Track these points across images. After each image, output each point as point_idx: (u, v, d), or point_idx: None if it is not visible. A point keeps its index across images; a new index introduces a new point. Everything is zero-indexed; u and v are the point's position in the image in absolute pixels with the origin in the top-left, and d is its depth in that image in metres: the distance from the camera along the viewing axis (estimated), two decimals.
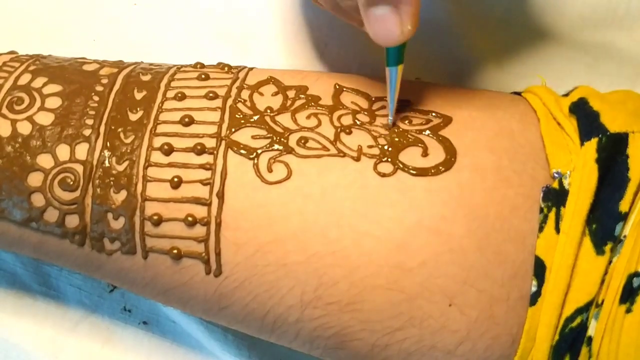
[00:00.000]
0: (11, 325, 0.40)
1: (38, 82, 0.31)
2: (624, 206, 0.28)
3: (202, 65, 0.34)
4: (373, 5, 0.26)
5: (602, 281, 0.28)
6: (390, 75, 0.30)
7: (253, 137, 0.30)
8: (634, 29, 0.39)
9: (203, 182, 0.29)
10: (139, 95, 0.31)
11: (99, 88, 0.31)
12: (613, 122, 0.30)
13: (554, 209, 0.29)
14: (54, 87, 0.31)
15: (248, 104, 0.31)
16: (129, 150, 0.30)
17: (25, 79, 0.32)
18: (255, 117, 0.31)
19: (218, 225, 0.29)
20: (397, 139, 0.30)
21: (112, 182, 0.29)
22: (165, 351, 0.41)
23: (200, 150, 0.29)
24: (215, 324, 0.39)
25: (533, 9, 0.39)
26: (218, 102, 0.31)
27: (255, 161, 0.29)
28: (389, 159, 0.29)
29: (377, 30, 0.27)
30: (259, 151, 0.30)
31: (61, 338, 0.40)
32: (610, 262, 0.28)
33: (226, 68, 0.33)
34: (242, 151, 0.29)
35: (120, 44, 0.42)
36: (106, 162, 0.29)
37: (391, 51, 0.29)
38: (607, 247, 0.28)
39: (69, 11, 0.42)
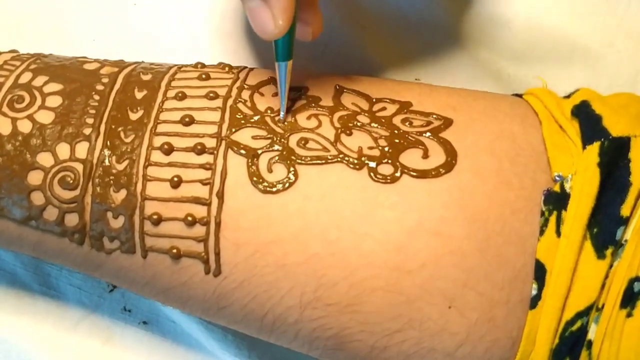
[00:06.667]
0: (11, 325, 0.40)
1: (39, 80, 0.31)
2: (625, 210, 0.28)
3: (203, 65, 0.34)
4: None
5: (603, 285, 0.28)
6: (278, 71, 0.30)
7: (253, 137, 0.30)
8: (633, 29, 0.39)
9: (203, 182, 0.29)
10: (139, 95, 0.31)
11: (100, 87, 0.31)
12: (615, 126, 0.29)
13: (554, 213, 0.29)
14: (55, 86, 0.31)
15: (248, 104, 0.31)
16: (129, 150, 0.30)
17: (26, 77, 0.32)
18: (256, 118, 0.30)
19: (217, 225, 0.29)
20: (397, 141, 0.30)
21: (111, 181, 0.29)
22: (165, 351, 0.41)
23: (200, 150, 0.29)
24: (215, 323, 0.39)
25: (533, 10, 0.39)
26: (218, 102, 0.31)
27: (255, 161, 0.29)
28: (390, 161, 0.29)
29: (253, 23, 0.28)
30: (259, 151, 0.29)
31: (61, 338, 0.40)
32: (611, 266, 0.28)
33: (227, 68, 0.33)
34: (242, 151, 0.29)
35: (120, 44, 0.42)
36: (106, 161, 0.29)
37: (276, 45, 0.29)
38: (608, 251, 0.28)
39: (69, 11, 0.42)
